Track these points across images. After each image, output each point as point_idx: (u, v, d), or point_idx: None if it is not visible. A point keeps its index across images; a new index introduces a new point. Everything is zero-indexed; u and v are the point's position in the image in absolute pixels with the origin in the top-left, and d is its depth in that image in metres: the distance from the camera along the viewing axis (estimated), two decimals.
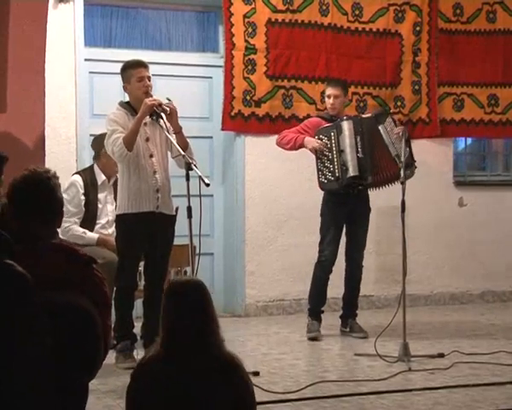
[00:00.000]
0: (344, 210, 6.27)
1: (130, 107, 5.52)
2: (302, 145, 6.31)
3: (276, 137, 6.57)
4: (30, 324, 2.31)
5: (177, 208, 5.75)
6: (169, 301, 2.82)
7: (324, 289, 6.36)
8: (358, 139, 6.20)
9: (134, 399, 2.76)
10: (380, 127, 6.26)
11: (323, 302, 6.40)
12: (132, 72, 5.50)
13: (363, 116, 6.55)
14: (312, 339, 6.21)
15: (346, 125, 6.22)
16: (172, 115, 5.39)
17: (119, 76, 5.67)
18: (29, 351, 2.30)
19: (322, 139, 6.26)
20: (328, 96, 6.38)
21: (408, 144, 6.18)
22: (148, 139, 5.47)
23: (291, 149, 6.41)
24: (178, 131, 5.45)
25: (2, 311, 2.26)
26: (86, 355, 2.45)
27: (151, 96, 5.43)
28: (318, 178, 6.31)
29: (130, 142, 5.30)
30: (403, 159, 5.97)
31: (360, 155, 6.19)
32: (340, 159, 6.19)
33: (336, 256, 6.31)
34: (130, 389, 2.78)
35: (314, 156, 6.31)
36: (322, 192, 6.38)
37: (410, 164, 6.18)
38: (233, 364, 2.80)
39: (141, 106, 5.37)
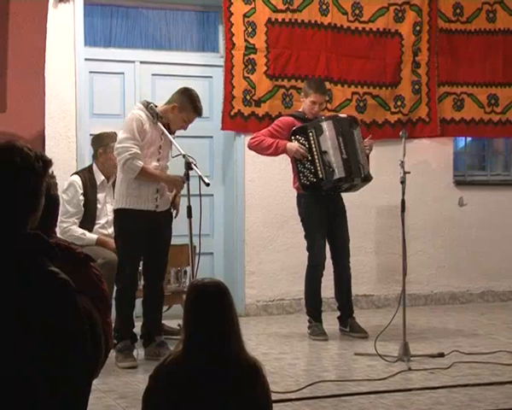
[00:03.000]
0: (324, 210, 6.23)
1: (157, 115, 5.45)
2: (284, 151, 6.23)
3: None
4: (71, 332, 2.33)
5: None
6: (190, 303, 2.80)
7: (319, 290, 6.34)
8: (341, 140, 6.14)
9: (152, 400, 2.75)
10: (354, 131, 6.24)
11: (321, 303, 6.39)
12: (191, 113, 5.52)
13: (340, 116, 6.48)
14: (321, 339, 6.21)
15: (326, 126, 6.15)
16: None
17: (120, 76, 5.68)
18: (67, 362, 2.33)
19: (298, 140, 6.17)
20: (314, 103, 6.27)
21: (368, 161, 6.25)
22: (160, 146, 5.50)
23: (271, 154, 6.32)
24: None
25: (43, 318, 2.28)
26: (87, 355, 2.45)
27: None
28: (300, 180, 6.24)
29: (142, 178, 5.38)
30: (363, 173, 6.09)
31: (345, 156, 6.14)
32: (322, 160, 6.11)
33: (326, 257, 6.31)
34: (149, 390, 2.76)
35: (297, 157, 6.22)
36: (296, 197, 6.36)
37: (367, 180, 6.26)
38: (254, 368, 2.77)
39: (167, 123, 5.44)
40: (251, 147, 6.37)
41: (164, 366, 2.78)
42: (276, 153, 6.29)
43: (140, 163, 5.34)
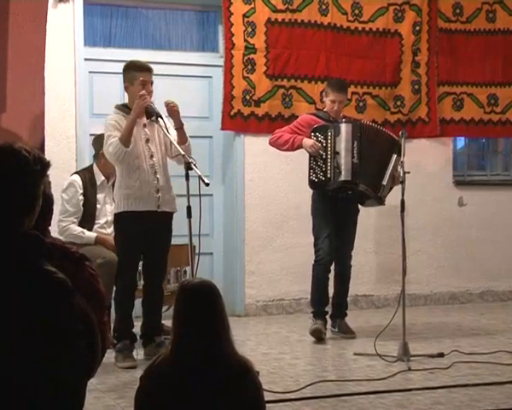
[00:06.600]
0: (333, 208, 6.22)
1: (127, 109, 5.49)
2: (300, 146, 6.24)
3: None
4: (67, 331, 2.33)
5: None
6: (179, 303, 2.80)
7: (325, 289, 6.26)
8: (355, 144, 6.12)
9: (143, 401, 2.75)
10: (393, 155, 6.16)
11: (326, 302, 6.31)
12: (136, 74, 5.47)
13: (365, 122, 6.46)
14: (315, 333, 6.14)
15: (345, 128, 6.14)
16: (174, 113, 5.39)
17: (119, 76, 5.67)
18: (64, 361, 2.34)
19: (318, 137, 6.17)
20: (333, 102, 6.27)
21: (392, 187, 6.23)
22: (148, 140, 5.48)
23: (288, 149, 6.32)
24: (179, 127, 5.45)
25: (41, 318, 2.28)
26: (82, 354, 2.45)
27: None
28: (309, 176, 6.23)
29: (125, 140, 5.30)
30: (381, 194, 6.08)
31: (355, 160, 6.12)
32: (333, 161, 6.11)
33: (333, 254, 6.24)
34: (140, 390, 2.77)
35: (311, 153, 6.25)
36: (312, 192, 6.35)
37: (380, 200, 6.25)
38: (245, 368, 2.77)
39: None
40: (270, 143, 6.39)
41: (155, 366, 2.78)
42: (292, 148, 6.28)
43: (116, 140, 5.29)
